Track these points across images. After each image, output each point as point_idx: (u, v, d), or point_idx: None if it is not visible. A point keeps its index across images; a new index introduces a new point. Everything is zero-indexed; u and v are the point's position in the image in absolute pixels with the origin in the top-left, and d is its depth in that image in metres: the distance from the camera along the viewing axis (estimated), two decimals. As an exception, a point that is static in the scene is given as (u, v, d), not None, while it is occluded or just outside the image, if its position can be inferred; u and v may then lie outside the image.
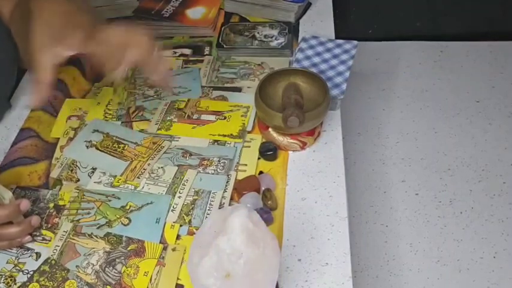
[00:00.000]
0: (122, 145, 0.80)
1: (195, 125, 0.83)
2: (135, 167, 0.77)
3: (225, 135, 0.81)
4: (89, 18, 0.73)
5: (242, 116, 0.84)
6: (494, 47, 2.01)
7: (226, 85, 0.90)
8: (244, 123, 0.82)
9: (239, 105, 0.86)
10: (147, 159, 0.78)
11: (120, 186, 0.75)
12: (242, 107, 0.85)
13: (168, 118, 0.84)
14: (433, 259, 1.42)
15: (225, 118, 0.84)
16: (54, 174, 0.77)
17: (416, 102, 1.84)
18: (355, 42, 0.93)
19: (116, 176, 0.76)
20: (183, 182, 0.74)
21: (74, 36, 0.69)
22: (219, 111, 0.85)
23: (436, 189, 1.59)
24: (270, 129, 0.79)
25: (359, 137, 1.75)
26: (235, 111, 0.85)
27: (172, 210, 0.71)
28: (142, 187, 0.74)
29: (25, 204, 0.65)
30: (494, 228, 1.48)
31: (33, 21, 0.70)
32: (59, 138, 0.83)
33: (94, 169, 0.77)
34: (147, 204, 0.72)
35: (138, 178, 0.75)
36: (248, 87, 0.89)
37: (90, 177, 0.76)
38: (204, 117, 0.84)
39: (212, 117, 0.84)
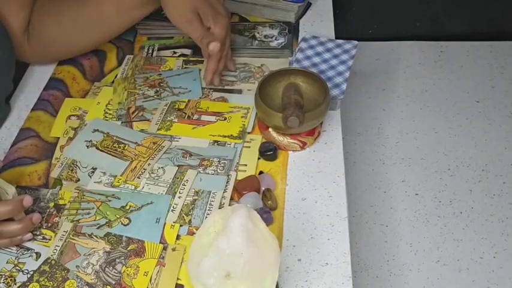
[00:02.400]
0: (122, 145, 0.80)
1: (195, 126, 0.83)
2: (135, 167, 0.77)
3: (225, 136, 0.81)
4: None
5: (242, 117, 0.84)
6: (494, 47, 2.01)
7: (226, 87, 0.90)
8: (244, 124, 0.82)
9: (239, 107, 0.86)
10: (147, 159, 0.78)
11: (121, 186, 0.75)
12: (242, 108, 0.85)
13: (168, 118, 0.84)
14: (433, 259, 1.42)
15: (225, 119, 0.84)
16: (54, 174, 0.77)
17: (416, 102, 1.84)
18: (355, 42, 0.93)
19: (116, 176, 0.76)
20: (183, 182, 0.74)
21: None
22: (219, 112, 0.85)
23: (436, 189, 1.59)
24: (270, 129, 0.79)
25: (359, 137, 1.75)
26: (236, 112, 0.85)
27: (172, 210, 0.71)
28: (143, 187, 0.74)
29: (28, 200, 0.65)
30: (494, 228, 1.48)
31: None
32: (58, 138, 0.83)
33: (94, 169, 0.77)
34: (147, 204, 0.72)
35: (138, 178, 0.75)
36: (248, 90, 0.89)
37: (90, 177, 0.76)
38: (204, 117, 0.84)
39: (212, 118, 0.84)
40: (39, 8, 0.88)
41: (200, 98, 0.88)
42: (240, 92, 0.89)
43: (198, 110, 0.86)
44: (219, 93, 0.89)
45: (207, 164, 0.77)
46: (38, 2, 0.88)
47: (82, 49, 0.94)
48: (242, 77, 0.92)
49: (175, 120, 0.84)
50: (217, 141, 0.80)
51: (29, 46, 0.89)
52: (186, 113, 0.85)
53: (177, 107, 0.86)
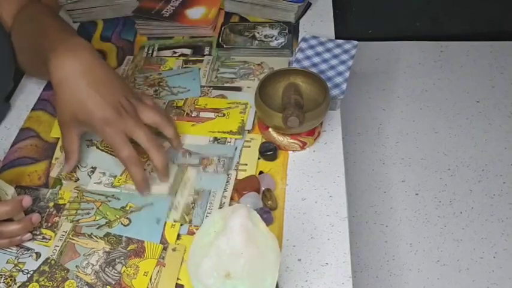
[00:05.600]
0: (122, 145, 0.80)
1: (194, 123, 0.83)
2: (135, 167, 0.77)
3: (224, 132, 0.81)
4: (119, 84, 0.72)
5: (241, 112, 0.84)
6: (494, 47, 2.01)
7: (225, 85, 0.90)
8: (243, 120, 0.83)
9: (237, 102, 0.86)
10: (147, 159, 0.78)
11: (121, 186, 0.75)
12: (240, 104, 0.85)
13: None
14: (433, 259, 1.42)
15: (224, 115, 0.84)
16: (53, 173, 0.77)
17: (416, 102, 1.84)
18: (355, 42, 0.93)
19: (116, 176, 0.76)
20: (184, 180, 0.74)
21: (97, 118, 0.68)
22: (218, 109, 0.85)
23: (436, 189, 1.59)
24: (270, 129, 0.79)
25: (359, 137, 1.75)
26: (234, 108, 0.85)
27: (174, 209, 0.71)
28: (142, 187, 0.74)
29: (27, 201, 0.65)
30: (494, 228, 1.48)
31: (54, 90, 0.70)
32: (58, 138, 0.83)
33: (94, 168, 0.77)
34: (147, 204, 0.72)
35: (138, 178, 0.75)
36: (248, 87, 0.89)
37: (90, 176, 0.76)
38: (202, 114, 0.84)
39: (211, 115, 0.84)
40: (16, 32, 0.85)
41: (199, 96, 0.88)
42: (239, 89, 0.89)
43: (197, 107, 0.86)
44: (218, 91, 0.89)
45: (206, 163, 0.77)
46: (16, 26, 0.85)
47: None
48: (242, 74, 0.92)
49: (174, 117, 0.84)
50: (217, 138, 0.80)
51: None
52: (184, 111, 0.85)
53: (175, 104, 0.86)
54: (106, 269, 0.65)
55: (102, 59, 0.72)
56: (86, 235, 0.69)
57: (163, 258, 0.66)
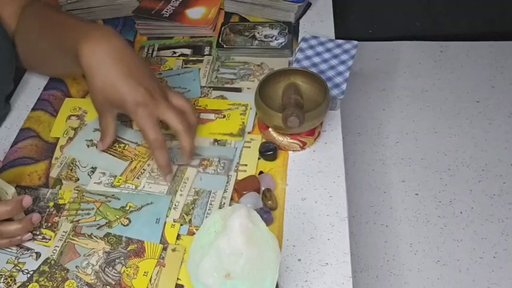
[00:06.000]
0: (123, 145, 0.80)
1: (194, 124, 0.83)
2: (135, 167, 0.77)
3: (225, 134, 0.81)
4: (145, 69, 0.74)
5: (241, 114, 0.84)
6: (494, 47, 2.01)
7: (226, 85, 0.90)
8: (243, 122, 0.83)
9: (237, 104, 0.86)
10: (147, 160, 0.78)
11: (121, 186, 0.75)
12: (241, 105, 0.85)
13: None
14: (433, 259, 1.42)
15: (224, 117, 0.84)
16: (53, 173, 0.77)
17: (416, 102, 1.84)
18: (355, 42, 0.93)
19: (116, 176, 0.76)
20: (183, 180, 0.75)
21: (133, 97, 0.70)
22: (218, 110, 0.85)
23: (436, 189, 1.59)
24: (270, 129, 0.79)
25: (359, 137, 1.75)
26: (234, 109, 0.85)
27: (174, 208, 0.71)
28: (143, 186, 0.74)
29: (27, 200, 0.65)
30: (494, 228, 1.48)
31: (87, 75, 0.72)
32: (58, 138, 0.83)
33: (94, 168, 0.77)
34: (147, 204, 0.72)
35: (138, 178, 0.75)
36: (248, 88, 0.89)
37: (90, 176, 0.76)
38: (203, 115, 0.84)
39: (211, 116, 0.84)
40: (21, 29, 0.86)
41: (199, 97, 0.88)
42: (239, 90, 0.89)
43: (197, 108, 0.86)
44: (218, 91, 0.89)
45: (207, 164, 0.77)
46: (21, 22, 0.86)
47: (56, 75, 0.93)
48: (242, 75, 0.92)
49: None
50: (218, 140, 0.80)
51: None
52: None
53: (176, 106, 0.86)
54: (106, 269, 0.65)
55: (129, 45, 0.74)
56: (86, 235, 0.69)
57: (163, 258, 0.66)
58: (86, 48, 0.71)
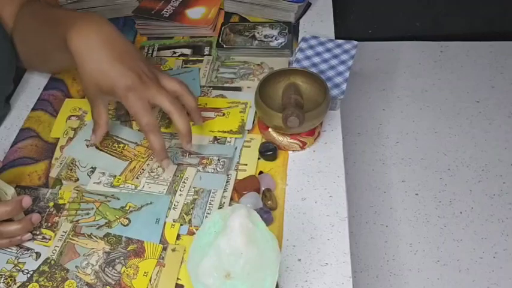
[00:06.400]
0: (122, 145, 0.80)
1: (194, 122, 0.83)
2: (134, 167, 0.77)
3: (224, 132, 0.81)
4: (136, 55, 0.73)
5: (241, 112, 0.84)
6: (494, 47, 2.01)
7: (225, 85, 0.90)
8: (243, 119, 0.83)
9: (237, 102, 0.86)
10: (147, 160, 0.78)
11: (120, 186, 0.75)
12: (240, 103, 0.85)
13: (167, 116, 0.84)
14: (433, 259, 1.42)
15: (224, 115, 0.84)
16: (53, 173, 0.77)
17: (416, 102, 1.84)
18: (355, 42, 0.93)
19: (115, 176, 0.76)
20: (183, 180, 0.74)
21: (123, 83, 0.69)
22: (218, 108, 0.85)
23: (436, 189, 1.59)
24: (270, 129, 0.79)
25: (359, 137, 1.75)
26: (234, 107, 0.85)
27: (173, 208, 0.71)
28: (143, 186, 0.74)
29: (27, 201, 0.65)
30: (494, 228, 1.48)
31: (76, 62, 0.71)
32: (58, 138, 0.83)
33: (93, 168, 0.77)
34: (147, 204, 0.72)
35: (137, 178, 0.75)
36: (248, 87, 0.89)
37: (90, 176, 0.76)
38: (202, 114, 0.84)
39: (211, 114, 0.84)
40: (20, 26, 0.85)
41: (199, 96, 0.88)
42: (239, 89, 0.89)
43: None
44: (218, 91, 0.89)
45: (206, 163, 0.77)
46: (20, 18, 0.85)
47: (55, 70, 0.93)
48: (241, 74, 0.92)
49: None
50: (217, 138, 0.80)
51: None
52: (184, 111, 0.85)
53: (176, 105, 0.86)
54: (106, 269, 0.65)
55: (119, 31, 0.73)
56: (86, 235, 0.69)
57: (163, 258, 0.66)
58: (74, 35, 0.70)
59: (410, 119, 1.79)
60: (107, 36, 0.71)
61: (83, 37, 0.70)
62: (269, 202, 0.71)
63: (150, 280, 0.64)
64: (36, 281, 0.64)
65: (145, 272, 0.65)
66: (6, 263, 0.67)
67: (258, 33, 0.98)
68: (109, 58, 0.70)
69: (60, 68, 0.91)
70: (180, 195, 0.73)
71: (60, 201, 0.73)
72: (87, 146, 0.80)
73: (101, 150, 0.80)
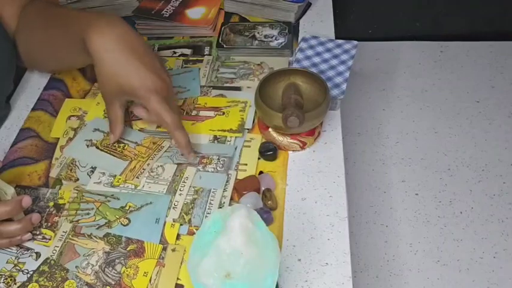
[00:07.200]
0: (122, 145, 0.80)
1: (194, 121, 0.83)
2: (135, 167, 0.77)
3: (224, 130, 0.81)
4: (153, 57, 0.74)
5: (240, 111, 0.84)
6: (494, 47, 2.01)
7: (225, 85, 0.90)
8: (243, 118, 0.83)
9: (237, 101, 0.86)
10: (147, 159, 0.78)
11: (120, 185, 0.75)
12: (240, 102, 0.85)
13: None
14: (433, 259, 1.42)
15: (223, 114, 0.84)
16: (53, 173, 0.77)
17: (416, 102, 1.84)
18: (355, 42, 0.93)
19: (115, 175, 0.76)
20: (183, 179, 0.74)
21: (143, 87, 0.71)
22: (218, 107, 0.85)
23: (436, 189, 1.59)
24: (270, 129, 0.79)
25: (359, 137, 1.75)
26: (233, 106, 0.85)
27: (173, 208, 0.71)
28: (143, 186, 0.74)
29: (27, 201, 0.65)
30: (494, 228, 1.48)
31: (95, 63, 0.72)
32: (58, 138, 0.83)
33: (93, 168, 0.77)
34: (147, 204, 0.72)
35: (137, 178, 0.75)
36: (248, 87, 0.89)
37: (90, 176, 0.76)
38: (202, 113, 0.84)
39: (211, 113, 0.84)
40: (24, 26, 0.85)
41: (199, 96, 0.88)
42: (239, 89, 0.89)
43: (196, 106, 0.86)
44: (218, 90, 0.89)
45: (206, 162, 0.77)
46: (23, 18, 0.85)
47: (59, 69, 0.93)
48: (241, 74, 0.92)
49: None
50: (217, 137, 0.80)
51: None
52: (184, 110, 0.85)
53: (175, 104, 0.86)
54: (106, 269, 0.65)
55: (136, 31, 0.74)
56: (86, 235, 0.69)
57: (163, 258, 0.66)
58: (94, 36, 0.71)
59: (410, 119, 1.79)
60: (125, 36, 0.72)
61: (102, 38, 0.71)
62: (269, 202, 0.71)
63: (150, 280, 0.64)
64: (36, 281, 0.64)
65: (145, 272, 0.65)
66: (6, 263, 0.67)
67: (258, 33, 0.98)
68: (129, 59, 0.71)
69: (65, 66, 0.91)
70: (180, 194, 0.73)
71: (60, 201, 0.73)
72: (87, 146, 0.80)
73: (101, 150, 0.80)
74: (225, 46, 0.96)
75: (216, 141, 0.80)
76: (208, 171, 0.76)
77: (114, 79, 0.72)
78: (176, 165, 0.77)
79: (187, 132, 0.74)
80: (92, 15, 0.76)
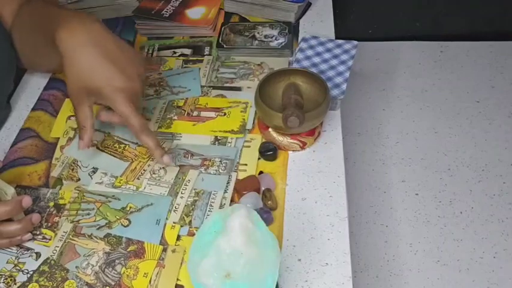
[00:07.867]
0: (123, 145, 0.80)
1: (195, 122, 0.83)
2: (135, 167, 0.77)
3: (226, 131, 0.81)
4: (129, 55, 0.72)
5: (242, 111, 0.84)
6: (494, 47, 2.01)
7: (225, 85, 0.90)
8: (244, 119, 0.83)
9: (238, 101, 0.86)
10: (148, 160, 0.78)
11: (122, 187, 0.75)
12: (241, 103, 0.85)
13: (168, 116, 0.84)
14: (433, 259, 1.42)
15: (224, 114, 0.84)
16: (54, 173, 0.77)
17: (416, 102, 1.84)
18: (355, 42, 0.93)
19: (117, 176, 0.76)
20: (185, 182, 0.74)
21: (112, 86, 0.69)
22: (219, 108, 0.85)
23: (436, 189, 1.59)
24: (270, 129, 0.79)
25: (359, 137, 1.75)
26: (234, 107, 0.85)
27: (174, 210, 0.71)
28: (144, 187, 0.74)
29: (27, 201, 0.65)
30: (494, 228, 1.48)
31: (64, 61, 0.70)
32: (59, 138, 0.83)
33: (95, 169, 0.77)
34: (147, 205, 0.72)
35: (138, 179, 0.75)
36: (248, 87, 0.89)
37: (91, 176, 0.76)
38: (203, 114, 0.84)
39: (212, 114, 0.84)
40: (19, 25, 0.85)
41: (199, 96, 0.88)
42: (239, 89, 0.89)
43: (197, 106, 0.86)
44: (218, 91, 0.89)
45: (208, 164, 0.77)
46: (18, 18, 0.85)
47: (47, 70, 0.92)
48: (241, 74, 0.92)
49: (175, 117, 0.84)
50: (219, 138, 0.80)
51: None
52: (185, 110, 0.85)
53: (176, 104, 0.86)
54: (106, 269, 0.65)
55: (110, 31, 0.72)
56: (86, 235, 0.69)
57: (163, 259, 0.66)
58: (63, 34, 0.69)
59: (410, 119, 1.79)
60: (95, 34, 0.70)
61: (71, 36, 0.69)
62: (269, 202, 0.71)
63: (150, 281, 0.64)
64: (36, 281, 0.64)
65: (145, 273, 0.65)
66: (6, 263, 0.67)
67: (258, 33, 0.98)
68: (97, 57, 0.69)
69: (55, 68, 0.90)
70: (181, 197, 0.73)
71: (61, 201, 0.73)
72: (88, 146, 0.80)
73: (101, 150, 0.80)
74: (225, 46, 0.96)
75: (217, 142, 0.80)
76: (210, 173, 0.76)
77: (81, 78, 0.69)
78: (178, 168, 0.76)
79: (154, 135, 0.72)
80: (68, 13, 0.73)
